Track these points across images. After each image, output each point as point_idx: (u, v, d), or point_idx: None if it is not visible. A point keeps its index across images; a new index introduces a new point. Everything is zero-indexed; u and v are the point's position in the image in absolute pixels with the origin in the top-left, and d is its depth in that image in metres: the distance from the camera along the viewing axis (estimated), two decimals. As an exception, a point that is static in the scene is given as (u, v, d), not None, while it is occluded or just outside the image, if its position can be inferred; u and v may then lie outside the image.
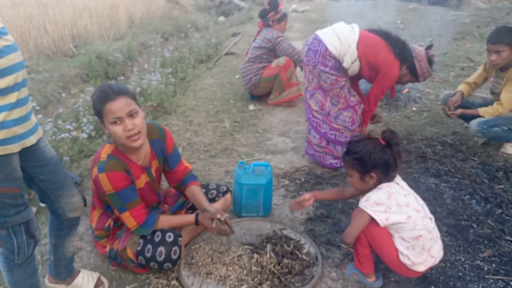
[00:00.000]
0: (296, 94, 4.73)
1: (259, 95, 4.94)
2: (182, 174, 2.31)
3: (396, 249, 1.89)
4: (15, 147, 1.51)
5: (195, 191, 2.26)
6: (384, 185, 1.89)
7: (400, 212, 1.82)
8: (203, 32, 9.87)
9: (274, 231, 2.46)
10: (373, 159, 1.84)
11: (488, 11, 9.04)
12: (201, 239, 2.39)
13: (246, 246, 2.30)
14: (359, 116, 3.14)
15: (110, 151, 1.98)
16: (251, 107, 4.79)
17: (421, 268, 1.90)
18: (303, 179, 3.13)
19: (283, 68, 4.59)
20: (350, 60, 2.94)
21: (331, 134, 3.14)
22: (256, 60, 4.70)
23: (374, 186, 1.91)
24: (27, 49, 6.70)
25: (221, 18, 12.77)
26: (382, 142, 1.85)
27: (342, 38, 2.92)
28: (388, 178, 1.90)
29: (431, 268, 1.98)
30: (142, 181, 2.12)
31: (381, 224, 1.83)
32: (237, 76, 6.09)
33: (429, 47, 3.07)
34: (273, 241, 2.32)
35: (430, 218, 1.91)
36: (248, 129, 4.17)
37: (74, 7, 8.92)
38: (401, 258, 1.88)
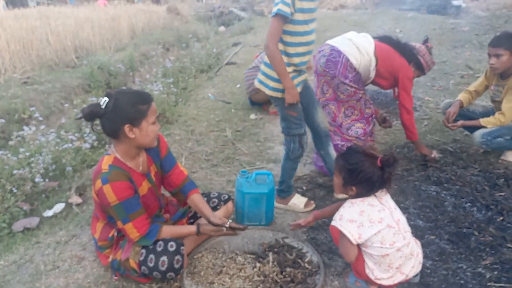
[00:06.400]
0: None
1: (259, 101, 4.95)
2: (179, 179, 2.31)
3: (364, 261, 1.92)
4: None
5: (197, 200, 2.28)
6: (357, 200, 1.89)
7: (372, 227, 1.82)
8: (204, 42, 9.96)
9: (276, 239, 2.47)
10: (361, 177, 1.83)
11: (487, 19, 9.09)
12: (203, 248, 2.39)
13: (249, 255, 2.31)
14: (371, 128, 3.14)
15: (111, 162, 2.00)
16: (253, 116, 4.82)
17: (387, 282, 1.91)
18: (304, 188, 3.14)
19: None
20: (372, 69, 3.00)
21: (343, 145, 3.12)
22: None
23: (351, 196, 1.93)
24: (29, 60, 6.76)
25: (222, 28, 12.86)
26: (379, 164, 1.81)
27: (362, 49, 2.93)
28: (368, 194, 1.90)
29: (404, 282, 1.97)
30: (144, 187, 2.13)
31: (354, 242, 1.85)
32: (238, 86, 6.13)
33: (425, 41, 3.17)
34: (276, 249, 2.33)
35: (405, 233, 1.88)
36: (250, 138, 4.20)
37: (76, 18, 9.02)
38: (367, 271, 1.92)
